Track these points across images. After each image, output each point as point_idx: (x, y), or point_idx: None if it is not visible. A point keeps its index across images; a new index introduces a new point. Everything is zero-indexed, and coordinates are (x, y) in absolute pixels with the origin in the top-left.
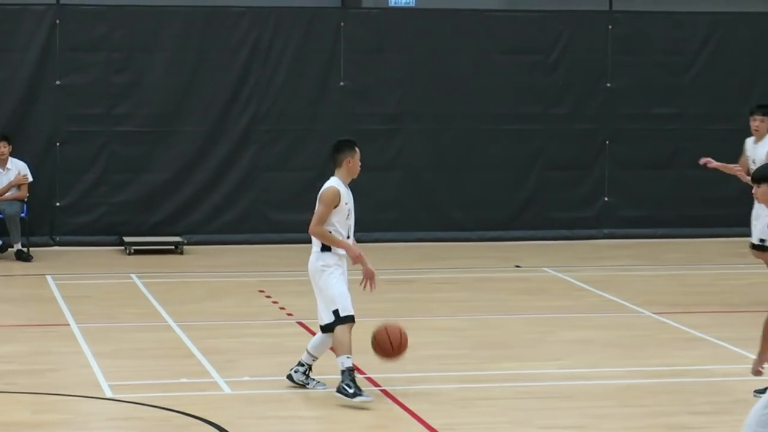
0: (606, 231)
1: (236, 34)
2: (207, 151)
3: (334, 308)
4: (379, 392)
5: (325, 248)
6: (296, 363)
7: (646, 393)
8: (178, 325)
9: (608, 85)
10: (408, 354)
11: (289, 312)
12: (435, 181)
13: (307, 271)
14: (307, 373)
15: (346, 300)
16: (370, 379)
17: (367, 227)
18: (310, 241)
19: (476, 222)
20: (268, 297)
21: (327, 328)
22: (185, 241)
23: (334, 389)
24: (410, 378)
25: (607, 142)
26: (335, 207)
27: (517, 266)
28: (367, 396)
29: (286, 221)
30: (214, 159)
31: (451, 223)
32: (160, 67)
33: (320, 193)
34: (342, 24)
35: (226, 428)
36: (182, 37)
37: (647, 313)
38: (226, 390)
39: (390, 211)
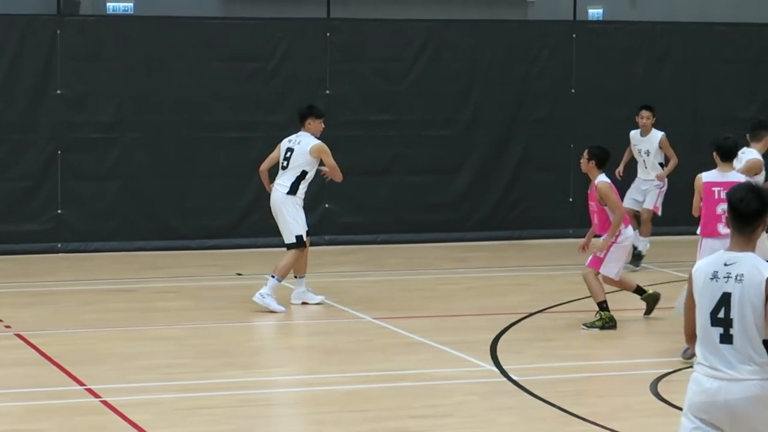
0: (327, 238)
1: None
2: None
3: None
4: (100, 403)
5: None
6: None
7: (367, 398)
8: None
9: (327, 92)
10: (128, 364)
11: (7, 324)
12: (154, 189)
13: (27, 282)
14: None
15: None
16: (90, 391)
17: (86, 237)
18: (31, 252)
19: (197, 230)
20: None
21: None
22: None
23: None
24: (131, 388)
25: None
26: None
27: (239, 274)
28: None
29: (4, 232)
30: None
31: (171, 232)
32: None
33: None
34: (58, 32)
35: None
36: None
37: (368, 318)
38: None
39: (109, 220)
